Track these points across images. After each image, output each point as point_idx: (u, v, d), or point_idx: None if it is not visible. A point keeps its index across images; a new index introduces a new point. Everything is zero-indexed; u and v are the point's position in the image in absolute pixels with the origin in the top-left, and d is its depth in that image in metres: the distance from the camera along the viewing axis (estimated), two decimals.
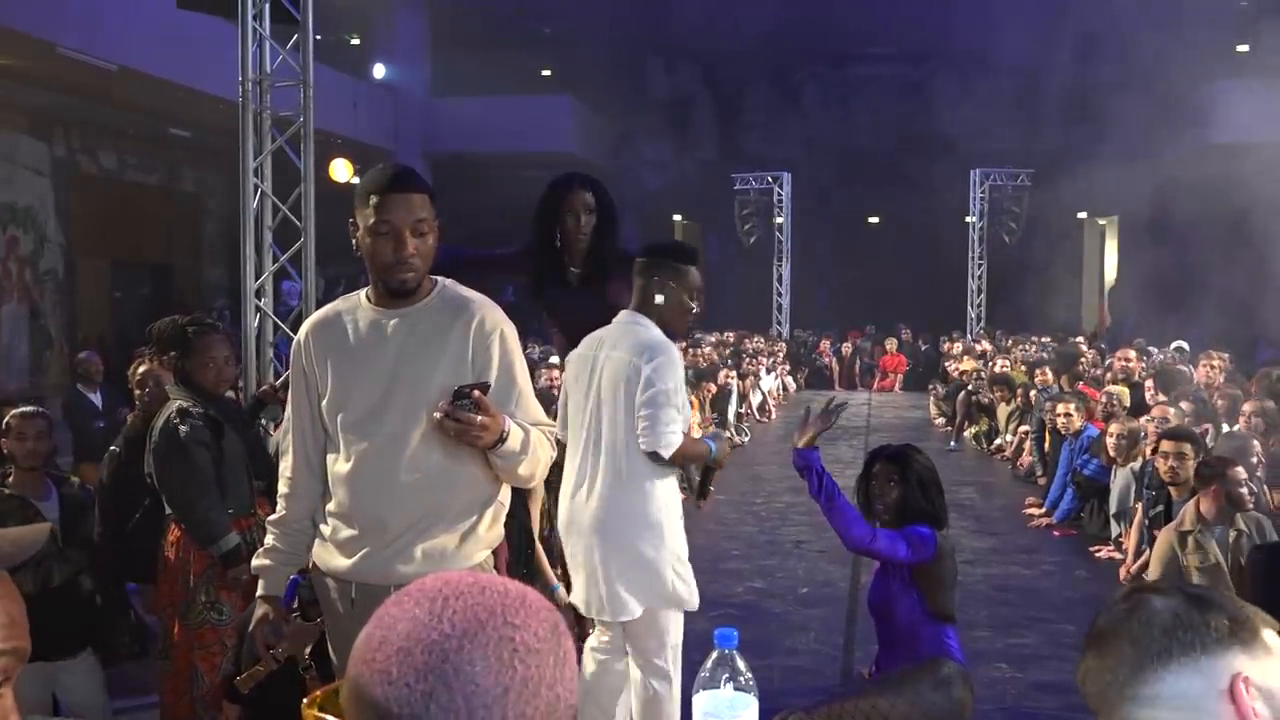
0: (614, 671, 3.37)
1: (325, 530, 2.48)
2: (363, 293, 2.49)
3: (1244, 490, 4.83)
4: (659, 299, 3.22)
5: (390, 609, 0.89)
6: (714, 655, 1.70)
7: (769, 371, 15.67)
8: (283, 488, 2.54)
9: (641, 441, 3.11)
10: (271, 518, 2.56)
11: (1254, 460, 5.76)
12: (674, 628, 3.25)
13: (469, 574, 0.91)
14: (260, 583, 2.51)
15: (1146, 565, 5.65)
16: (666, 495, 3.22)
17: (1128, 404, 7.92)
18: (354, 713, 0.85)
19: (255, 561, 2.54)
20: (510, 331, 2.47)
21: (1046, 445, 8.79)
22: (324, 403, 2.45)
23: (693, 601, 3.24)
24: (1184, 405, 7.10)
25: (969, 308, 19.99)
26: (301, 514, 2.52)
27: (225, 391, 3.94)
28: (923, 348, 19.13)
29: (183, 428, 3.59)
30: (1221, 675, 1.13)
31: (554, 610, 0.90)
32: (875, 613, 3.46)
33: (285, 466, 2.54)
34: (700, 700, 1.68)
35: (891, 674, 3.32)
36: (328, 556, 2.48)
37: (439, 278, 2.48)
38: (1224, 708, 1.12)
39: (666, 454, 3.11)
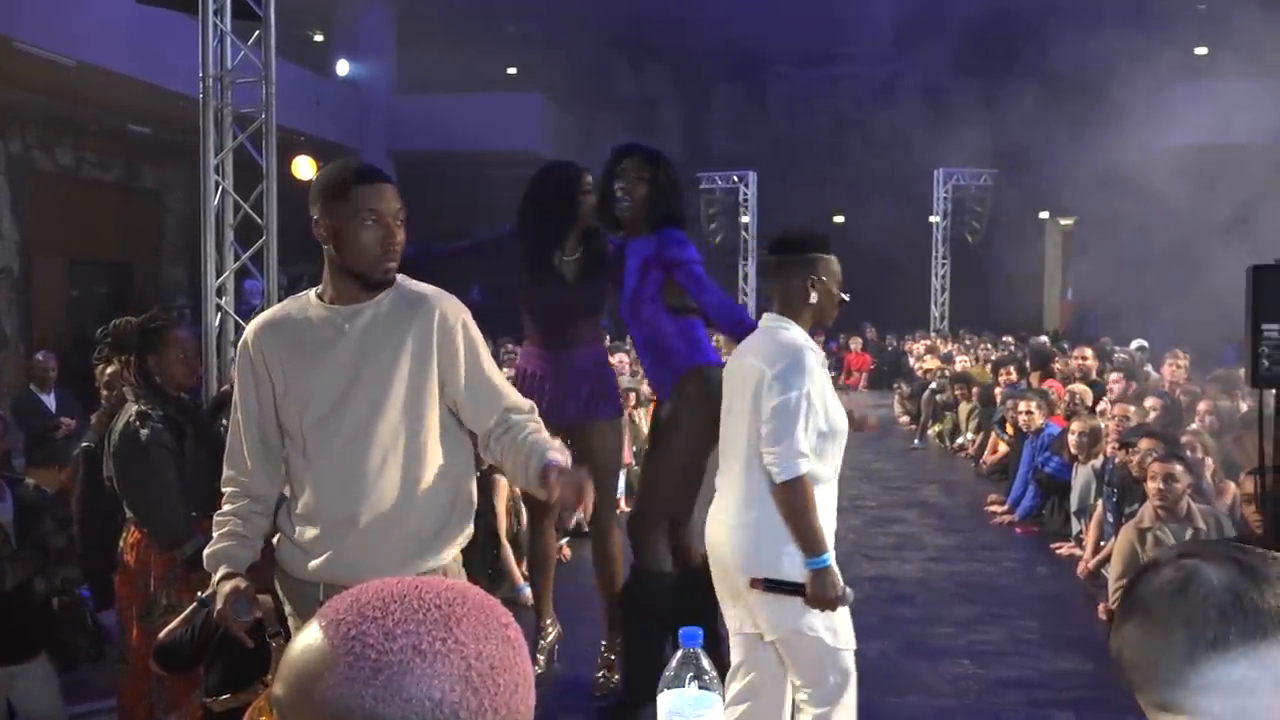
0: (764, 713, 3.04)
1: (291, 532, 2.46)
2: (311, 293, 2.47)
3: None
4: (813, 297, 2.96)
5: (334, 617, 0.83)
6: (679, 654, 1.70)
7: None
8: (236, 485, 2.49)
9: (765, 457, 2.81)
10: (226, 508, 2.48)
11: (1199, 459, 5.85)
12: (821, 660, 2.90)
13: (407, 581, 0.86)
14: (221, 567, 2.41)
15: (1105, 561, 5.73)
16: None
17: (1090, 402, 8.02)
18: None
19: (214, 546, 2.45)
20: (470, 319, 2.48)
21: (1008, 436, 8.87)
22: (283, 404, 2.42)
23: (829, 639, 2.87)
24: (1148, 403, 7.19)
25: (933, 306, 20.15)
26: (258, 507, 2.48)
27: (194, 384, 3.91)
28: (889, 347, 19.25)
29: (143, 430, 3.53)
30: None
31: (506, 613, 0.87)
32: (627, 316, 3.98)
33: (237, 467, 2.49)
34: (665, 699, 1.68)
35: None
36: (294, 559, 2.46)
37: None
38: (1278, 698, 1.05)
39: (779, 479, 2.76)
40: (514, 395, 2.52)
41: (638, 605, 4.00)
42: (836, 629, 2.88)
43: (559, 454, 2.36)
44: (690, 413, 3.82)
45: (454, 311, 2.45)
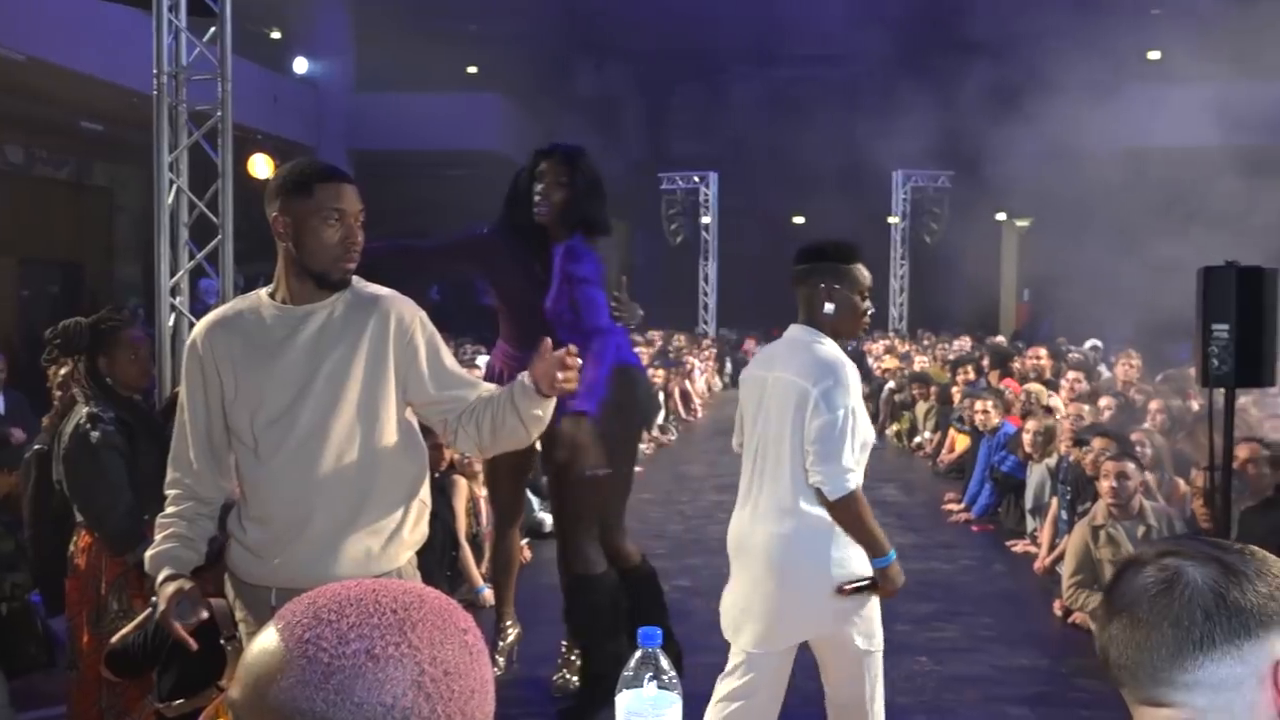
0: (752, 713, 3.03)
1: (242, 536, 2.43)
2: (262, 292, 2.44)
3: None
4: (828, 307, 3.00)
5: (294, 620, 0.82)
6: (638, 654, 1.70)
7: (700, 372, 15.78)
8: (181, 487, 2.44)
9: (811, 477, 2.86)
10: (170, 510, 2.44)
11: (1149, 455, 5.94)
12: (859, 663, 3.00)
13: (364, 584, 0.85)
14: (164, 568, 2.35)
15: (1060, 558, 5.80)
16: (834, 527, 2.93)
17: (1046, 402, 8.11)
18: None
19: (157, 548, 2.39)
20: (425, 318, 2.48)
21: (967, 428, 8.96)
22: (232, 405, 2.39)
23: (862, 643, 2.99)
24: (1102, 403, 7.28)
25: (891, 307, 20.33)
26: (204, 510, 2.45)
27: (148, 386, 3.85)
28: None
29: (94, 433, 3.47)
30: (1264, 660, 1.09)
31: (466, 617, 0.86)
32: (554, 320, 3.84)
33: (182, 469, 2.45)
34: (624, 699, 1.67)
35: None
36: (246, 563, 2.42)
37: None
38: (1263, 692, 1.09)
39: (833, 497, 2.83)
40: (483, 384, 2.52)
41: (583, 611, 3.95)
42: (871, 634, 2.99)
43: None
44: (614, 414, 3.79)
45: (409, 312, 2.44)
